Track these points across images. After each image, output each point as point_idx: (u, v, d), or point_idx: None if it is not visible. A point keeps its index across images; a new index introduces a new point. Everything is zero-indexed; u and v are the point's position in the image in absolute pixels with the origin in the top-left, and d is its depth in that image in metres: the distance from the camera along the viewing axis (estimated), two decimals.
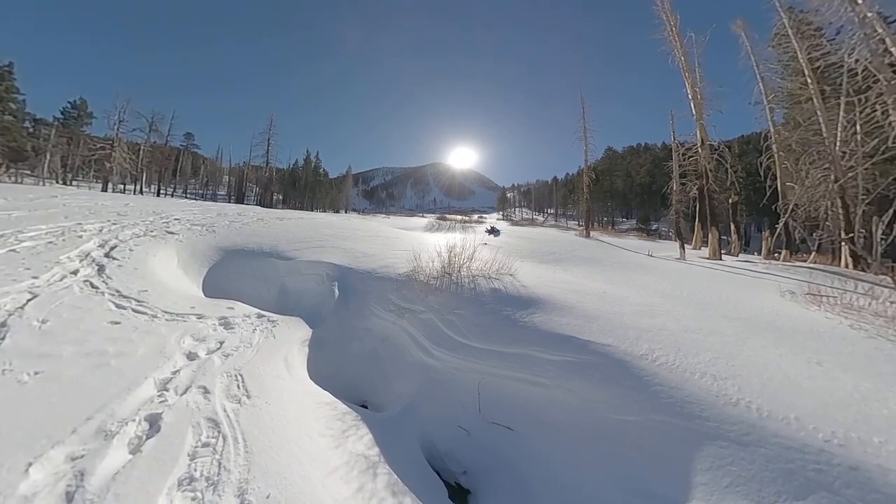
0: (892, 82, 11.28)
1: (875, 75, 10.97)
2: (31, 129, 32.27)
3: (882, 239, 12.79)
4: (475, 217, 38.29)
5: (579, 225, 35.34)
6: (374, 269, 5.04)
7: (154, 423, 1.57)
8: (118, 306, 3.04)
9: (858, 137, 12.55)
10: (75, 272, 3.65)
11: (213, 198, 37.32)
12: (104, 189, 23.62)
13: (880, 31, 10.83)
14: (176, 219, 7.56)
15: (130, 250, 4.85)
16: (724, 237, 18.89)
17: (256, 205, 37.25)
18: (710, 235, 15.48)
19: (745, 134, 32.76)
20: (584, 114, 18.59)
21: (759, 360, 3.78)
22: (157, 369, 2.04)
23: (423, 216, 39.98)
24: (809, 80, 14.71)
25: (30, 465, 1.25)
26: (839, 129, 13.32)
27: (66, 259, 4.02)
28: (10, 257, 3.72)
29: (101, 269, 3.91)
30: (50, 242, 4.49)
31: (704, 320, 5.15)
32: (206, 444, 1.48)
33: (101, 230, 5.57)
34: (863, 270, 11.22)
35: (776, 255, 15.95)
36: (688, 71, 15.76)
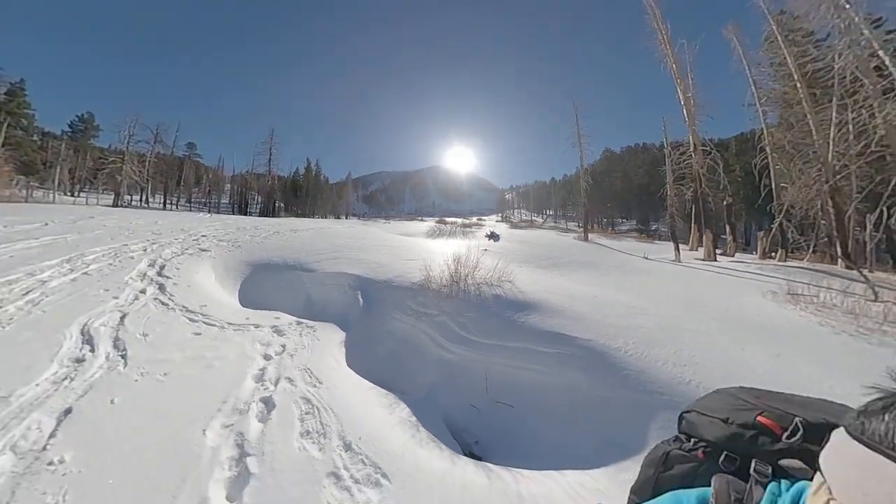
0: (877, 86, 11.99)
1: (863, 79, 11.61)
2: (39, 143, 33.08)
3: (873, 235, 13.52)
4: (474, 220, 39.05)
5: (578, 227, 35.99)
6: (391, 279, 5.77)
7: (268, 403, 2.30)
8: (191, 320, 3.77)
9: (851, 137, 13.07)
10: (143, 291, 4.38)
11: (217, 207, 38.10)
12: (115, 203, 24.43)
13: (867, 33, 11.51)
14: (203, 235, 8.31)
15: (177, 268, 5.59)
16: (724, 237, 19.44)
17: (259, 213, 38.04)
18: (704, 237, 16.08)
19: (745, 132, 33.34)
20: (577, 120, 19.33)
21: (722, 353, 4.48)
22: (249, 368, 2.78)
23: (422, 220, 40.69)
24: (799, 85, 15.25)
25: (204, 430, 1.98)
26: (832, 129, 13.80)
27: (131, 279, 4.75)
28: (87, 280, 4.46)
29: (161, 287, 4.64)
30: (110, 264, 5.23)
31: (683, 320, 5.85)
32: (308, 413, 2.21)
33: (145, 250, 6.32)
34: (849, 269, 11.91)
35: (773, 254, 16.33)
36: (679, 78, 16.34)
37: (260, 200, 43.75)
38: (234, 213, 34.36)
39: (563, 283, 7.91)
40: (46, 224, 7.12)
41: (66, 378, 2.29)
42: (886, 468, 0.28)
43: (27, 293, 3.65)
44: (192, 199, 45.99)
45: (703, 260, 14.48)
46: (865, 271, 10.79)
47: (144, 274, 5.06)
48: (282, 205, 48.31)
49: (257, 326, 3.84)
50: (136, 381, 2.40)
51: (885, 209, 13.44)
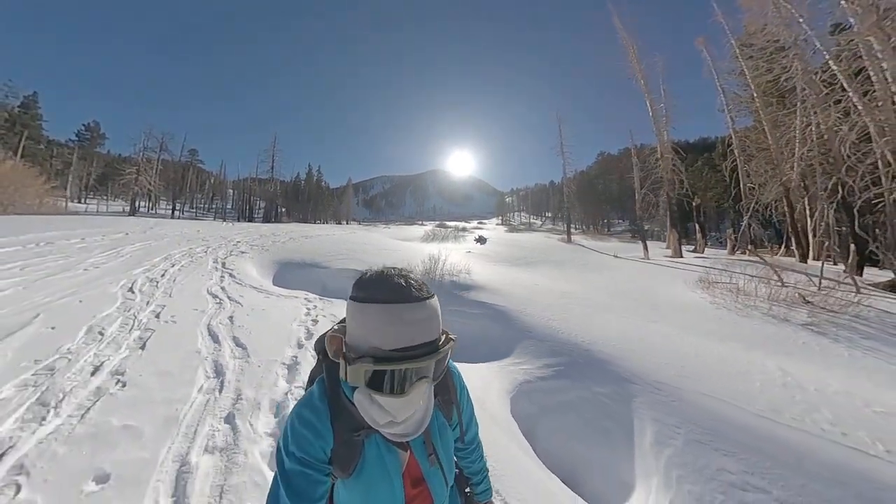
0: (820, 95, 14.48)
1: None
2: (47, 151, 36.39)
3: (815, 232, 15.98)
4: (474, 223, 41.68)
5: (576, 228, 38.46)
6: None
7: (315, 321, 5.08)
8: (258, 291, 6.56)
9: (814, 139, 15.22)
10: (223, 277, 7.17)
11: (223, 213, 41.27)
12: (132, 211, 27.60)
13: (818, 45, 13.94)
14: (237, 241, 11.18)
15: (233, 264, 8.40)
16: (714, 234, 21.58)
17: (263, 219, 41.21)
18: (671, 236, 18.50)
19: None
20: (560, 131, 21.97)
21: (604, 319, 6.96)
22: (300, 312, 5.54)
23: (422, 224, 43.45)
24: (755, 95, 17.52)
25: (291, 324, 4.76)
26: (798, 132, 15.86)
27: (210, 270, 7.54)
28: (186, 270, 7.28)
29: (231, 275, 7.44)
30: (190, 261, 8.07)
31: (597, 300, 8.40)
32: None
33: (205, 252, 9.16)
34: (802, 262, 14.28)
35: (745, 251, 18.43)
36: (647, 92, 18.78)
37: (262, 206, 46.95)
38: (239, 220, 37.53)
39: (520, 275, 10.56)
40: (126, 234, 10.03)
41: (219, 309, 5.09)
42: (350, 303, 0.76)
43: (163, 275, 6.48)
44: (196, 206, 49.44)
45: (670, 257, 16.69)
46: (785, 258, 13.29)
47: (215, 267, 7.88)
48: (284, 210, 51.60)
49: (296, 297, 6.60)
50: (252, 310, 5.17)
51: (825, 206, 15.88)
